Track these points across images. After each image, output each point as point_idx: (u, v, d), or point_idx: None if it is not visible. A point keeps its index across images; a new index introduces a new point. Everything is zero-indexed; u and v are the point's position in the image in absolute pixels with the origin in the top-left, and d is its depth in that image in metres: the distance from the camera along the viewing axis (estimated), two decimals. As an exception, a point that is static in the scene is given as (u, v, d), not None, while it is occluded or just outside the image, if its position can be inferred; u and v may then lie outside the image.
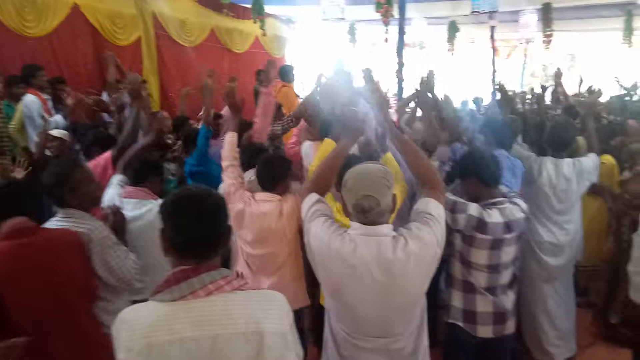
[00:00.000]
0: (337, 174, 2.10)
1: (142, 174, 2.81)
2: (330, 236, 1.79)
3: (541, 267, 3.40)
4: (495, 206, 2.35)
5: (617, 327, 3.85)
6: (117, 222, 2.35)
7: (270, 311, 1.36)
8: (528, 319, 3.55)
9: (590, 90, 6.53)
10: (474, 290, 2.43)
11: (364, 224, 1.78)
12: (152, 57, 6.44)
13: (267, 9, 7.75)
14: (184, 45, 6.82)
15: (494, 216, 2.31)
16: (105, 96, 5.08)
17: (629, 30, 8.54)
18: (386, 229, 1.79)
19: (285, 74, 6.35)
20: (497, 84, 5.36)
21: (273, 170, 2.79)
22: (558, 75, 4.90)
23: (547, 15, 8.11)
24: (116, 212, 2.38)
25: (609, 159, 4.09)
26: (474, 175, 2.45)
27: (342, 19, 5.39)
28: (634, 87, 6.30)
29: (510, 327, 2.49)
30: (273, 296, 1.42)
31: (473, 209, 2.33)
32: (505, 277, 2.44)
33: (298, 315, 2.91)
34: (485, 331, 2.43)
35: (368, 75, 3.74)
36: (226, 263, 3.02)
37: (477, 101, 7.45)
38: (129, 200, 2.70)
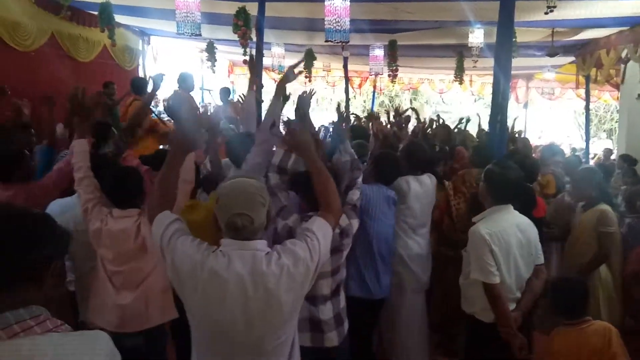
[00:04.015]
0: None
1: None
2: (203, 254, 1.74)
3: (414, 277, 3.63)
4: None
5: (456, 339, 4.20)
6: None
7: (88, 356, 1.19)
8: (390, 331, 3.72)
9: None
10: None
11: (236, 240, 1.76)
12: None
13: (118, 18, 7.29)
14: (17, 50, 6.06)
15: None
16: None
17: (460, 70, 9.66)
18: (260, 244, 1.78)
19: (137, 87, 6.08)
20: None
21: (126, 186, 2.63)
22: (372, 116, 5.42)
23: (392, 52, 8.83)
24: None
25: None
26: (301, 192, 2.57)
27: (199, 35, 5.26)
28: (460, 121, 7.14)
29: (331, 339, 2.47)
30: (93, 339, 1.24)
31: (292, 219, 2.42)
32: (324, 288, 2.49)
33: (162, 330, 2.73)
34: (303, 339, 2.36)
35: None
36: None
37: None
38: None
